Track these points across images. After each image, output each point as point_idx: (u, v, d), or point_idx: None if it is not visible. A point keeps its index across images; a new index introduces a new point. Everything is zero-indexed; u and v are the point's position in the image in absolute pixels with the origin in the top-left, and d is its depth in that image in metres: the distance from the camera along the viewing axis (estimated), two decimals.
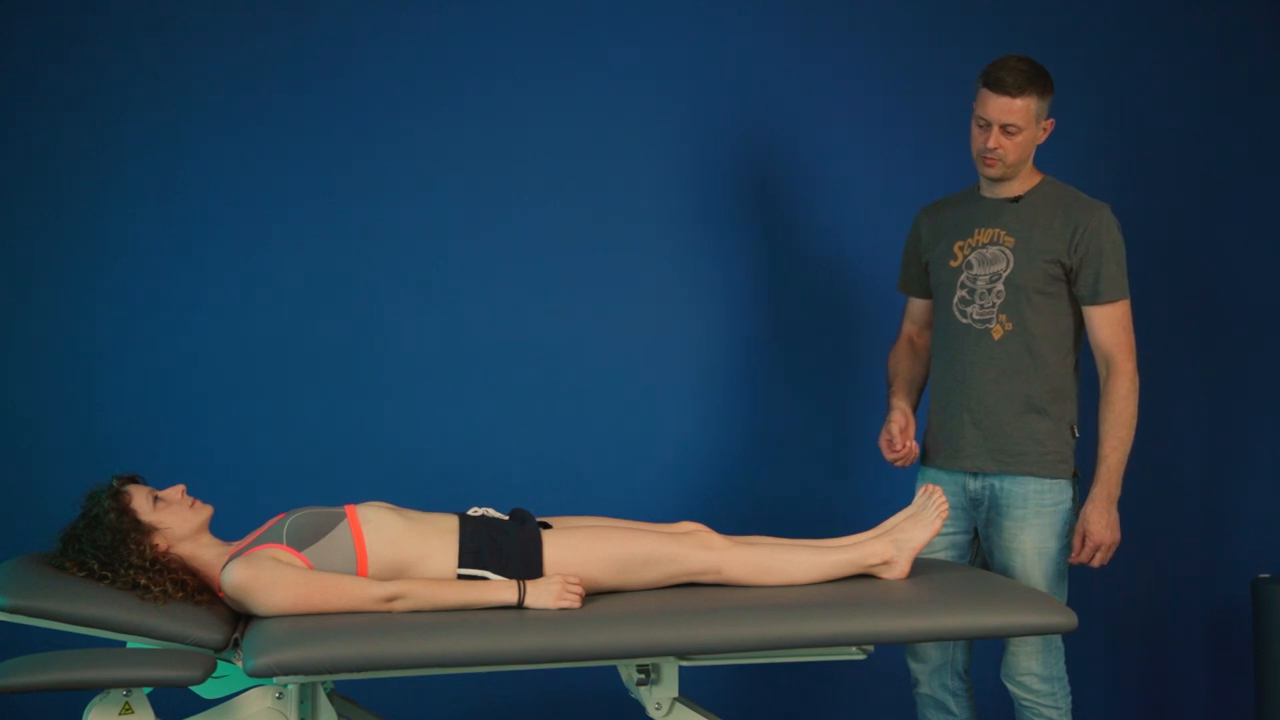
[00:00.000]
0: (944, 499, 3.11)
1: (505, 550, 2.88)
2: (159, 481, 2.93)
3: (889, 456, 3.44)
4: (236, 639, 2.73)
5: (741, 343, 4.23)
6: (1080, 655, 4.25)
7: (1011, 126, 3.24)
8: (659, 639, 2.69)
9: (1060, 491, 3.31)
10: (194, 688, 2.58)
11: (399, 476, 3.90)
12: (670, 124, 4.18)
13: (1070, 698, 3.36)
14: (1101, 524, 3.24)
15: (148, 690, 2.55)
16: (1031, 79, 3.24)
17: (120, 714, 2.54)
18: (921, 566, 3.13)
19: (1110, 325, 3.27)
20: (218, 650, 2.68)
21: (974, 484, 3.37)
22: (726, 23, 4.20)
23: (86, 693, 2.54)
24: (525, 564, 2.87)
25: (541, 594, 2.77)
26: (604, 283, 4.14)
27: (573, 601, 2.77)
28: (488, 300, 4.06)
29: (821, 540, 3.15)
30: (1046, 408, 3.30)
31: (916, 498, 3.15)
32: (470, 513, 2.99)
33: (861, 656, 2.91)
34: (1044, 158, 3.40)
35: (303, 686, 2.71)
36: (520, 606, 2.77)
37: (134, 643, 2.69)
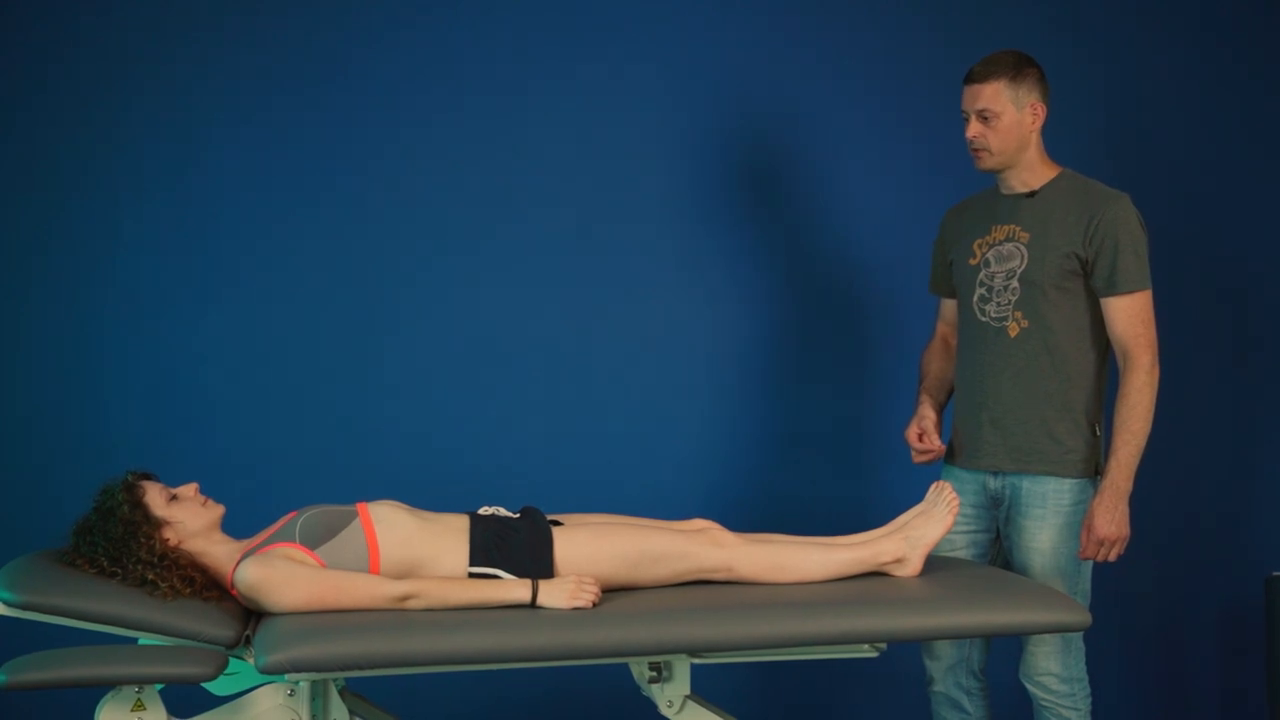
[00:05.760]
0: (955, 495, 3.10)
1: (516, 549, 2.88)
2: (169, 480, 2.93)
3: (916, 448, 3.43)
4: (248, 636, 2.74)
5: (752, 341, 4.22)
6: (1094, 652, 4.23)
7: (986, 112, 3.24)
8: (671, 637, 2.68)
9: (1081, 491, 3.27)
10: (206, 684, 2.58)
11: (409, 475, 3.90)
12: (681, 124, 4.17)
13: (1090, 699, 3.33)
14: (1106, 519, 3.16)
15: (160, 687, 2.55)
16: (999, 64, 3.25)
17: (132, 710, 2.54)
18: (934, 564, 3.12)
19: (1127, 317, 3.20)
20: (229, 647, 2.68)
21: (994, 483, 3.34)
22: (738, 21, 4.19)
23: (98, 689, 2.55)
24: (536, 562, 2.87)
25: (554, 594, 2.77)
26: (614, 282, 4.14)
27: (586, 601, 2.76)
28: (498, 299, 4.07)
29: (833, 538, 3.14)
30: (1065, 406, 3.26)
31: (928, 494, 3.13)
32: (481, 512, 2.99)
33: (874, 654, 2.90)
34: (1057, 151, 3.39)
35: (314, 684, 2.71)
36: (533, 605, 2.77)
37: (145, 639, 2.69)
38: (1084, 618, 2.85)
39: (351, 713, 2.79)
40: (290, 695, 2.68)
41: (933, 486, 3.14)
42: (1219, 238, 4.41)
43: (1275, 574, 4.05)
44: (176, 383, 3.90)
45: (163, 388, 3.90)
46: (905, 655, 3.59)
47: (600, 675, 3.28)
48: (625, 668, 2.95)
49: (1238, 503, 4.42)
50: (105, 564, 2.75)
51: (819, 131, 4.25)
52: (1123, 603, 4.27)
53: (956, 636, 2.96)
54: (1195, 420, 4.37)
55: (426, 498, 3.08)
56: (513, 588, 2.79)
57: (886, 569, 3.05)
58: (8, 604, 2.60)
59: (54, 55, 3.87)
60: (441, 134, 4.05)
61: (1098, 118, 4.31)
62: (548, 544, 2.89)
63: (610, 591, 2.88)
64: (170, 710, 2.57)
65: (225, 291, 3.93)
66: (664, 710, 2.85)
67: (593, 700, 4.03)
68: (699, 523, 3.13)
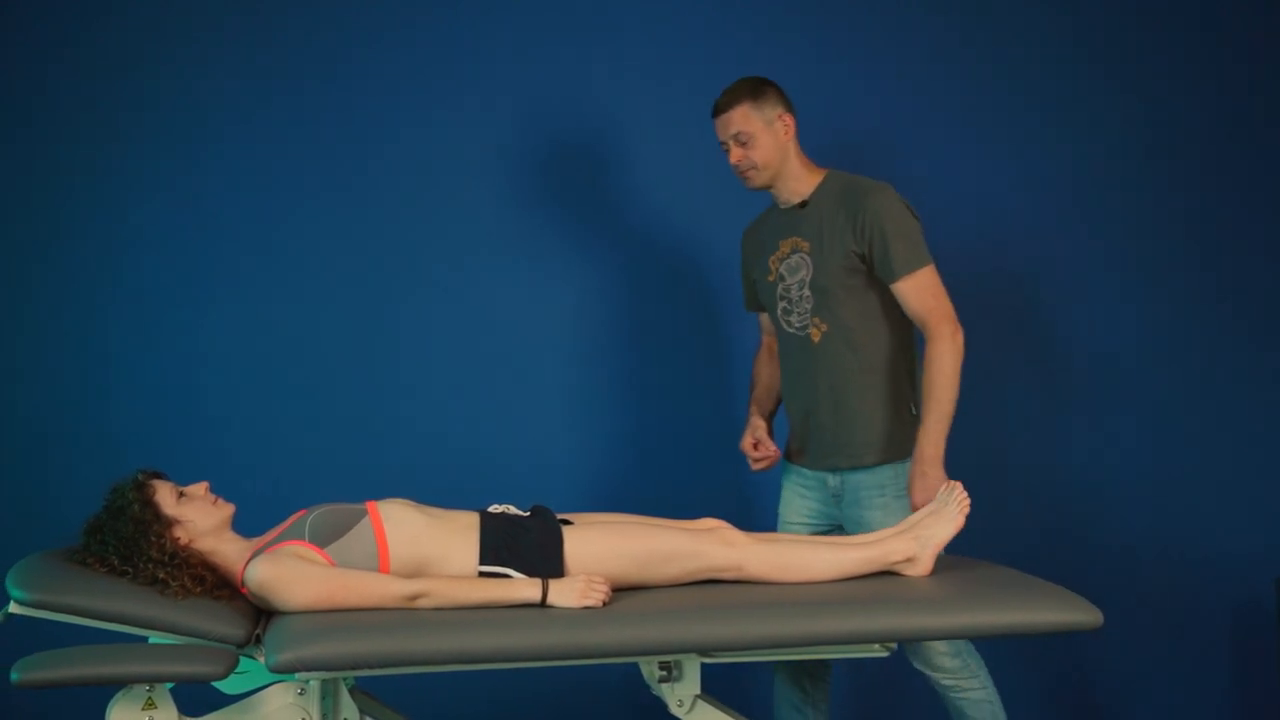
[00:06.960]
0: (965, 495, 3.09)
1: (526, 547, 2.87)
2: (179, 479, 2.92)
3: (753, 457, 3.52)
4: (258, 635, 2.73)
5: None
6: (1103, 653, 4.24)
7: (740, 135, 3.37)
8: (681, 636, 2.68)
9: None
10: (216, 683, 2.58)
11: (418, 473, 3.90)
12: (673, 122, 4.17)
13: (985, 667, 3.39)
14: (921, 488, 3.25)
15: (171, 686, 2.55)
16: (737, 90, 3.39)
17: (143, 709, 2.53)
18: (945, 564, 3.12)
19: (916, 295, 3.31)
20: (240, 646, 2.68)
21: (833, 480, 3.43)
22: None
23: (109, 688, 2.54)
24: (546, 561, 2.86)
25: (565, 593, 2.76)
26: (622, 281, 4.14)
27: (596, 600, 2.76)
28: (506, 297, 4.07)
29: (843, 537, 3.15)
30: (879, 396, 3.38)
31: (939, 494, 3.13)
32: (491, 510, 2.99)
33: (884, 654, 2.91)
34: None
35: (325, 682, 2.71)
36: (543, 605, 2.76)
37: (156, 638, 2.68)
38: (1095, 616, 2.84)
39: (361, 711, 2.78)
40: (300, 694, 2.67)
41: (943, 486, 3.14)
42: (1213, 243, 4.41)
43: None
44: (185, 382, 3.90)
45: (171, 387, 3.90)
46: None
47: (610, 675, 3.27)
48: (635, 667, 2.94)
49: (1249, 503, 4.41)
50: (116, 563, 2.75)
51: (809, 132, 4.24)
52: (1132, 603, 4.27)
53: (967, 636, 2.97)
54: (1202, 420, 4.36)
55: (436, 496, 3.07)
56: (523, 587, 2.78)
57: (897, 568, 3.04)
58: (20, 602, 2.60)
59: (54, 55, 3.87)
60: (444, 133, 4.05)
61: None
62: (558, 543, 2.89)
63: (620, 591, 2.87)
64: (181, 709, 2.56)
65: (231, 290, 3.93)
66: (674, 710, 2.84)
67: (603, 699, 4.02)
68: (709, 522, 3.13)
